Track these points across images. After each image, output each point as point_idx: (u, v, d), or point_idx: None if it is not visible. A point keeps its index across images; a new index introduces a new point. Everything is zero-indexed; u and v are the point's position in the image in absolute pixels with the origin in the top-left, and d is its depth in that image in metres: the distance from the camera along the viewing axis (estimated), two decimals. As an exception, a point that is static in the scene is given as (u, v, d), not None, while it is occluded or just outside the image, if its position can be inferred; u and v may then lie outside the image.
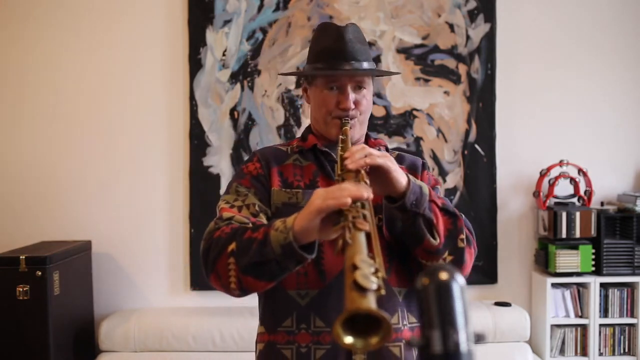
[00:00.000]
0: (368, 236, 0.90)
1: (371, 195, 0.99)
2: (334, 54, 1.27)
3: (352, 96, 1.28)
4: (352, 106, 1.28)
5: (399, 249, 1.24)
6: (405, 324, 1.23)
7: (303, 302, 1.20)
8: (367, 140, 1.40)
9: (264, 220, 1.22)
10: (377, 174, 1.10)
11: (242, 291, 1.12)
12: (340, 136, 1.24)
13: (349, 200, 0.95)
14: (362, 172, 1.08)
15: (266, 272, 1.07)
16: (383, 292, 0.79)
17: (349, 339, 0.75)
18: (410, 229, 1.16)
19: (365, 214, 0.95)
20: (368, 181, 1.07)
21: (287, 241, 1.02)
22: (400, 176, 1.12)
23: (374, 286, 0.75)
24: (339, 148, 1.20)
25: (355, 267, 0.78)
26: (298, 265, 1.06)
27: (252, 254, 1.06)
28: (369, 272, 0.78)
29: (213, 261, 1.13)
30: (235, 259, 1.09)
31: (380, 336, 0.74)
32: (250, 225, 1.16)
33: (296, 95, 3.02)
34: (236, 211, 1.22)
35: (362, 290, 0.75)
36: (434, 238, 1.16)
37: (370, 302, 0.74)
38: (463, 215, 1.28)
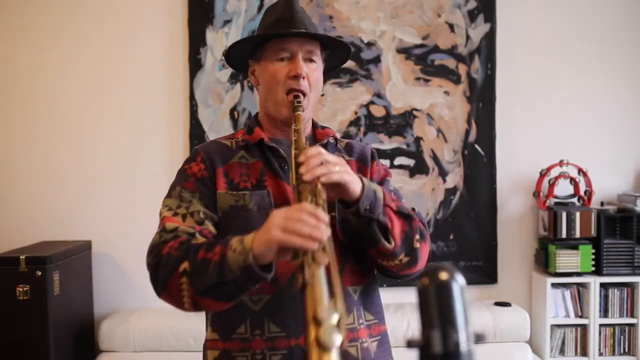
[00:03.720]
0: (327, 268, 0.89)
1: (329, 233, 0.97)
2: (284, 22, 1.22)
3: (303, 66, 1.22)
4: (304, 74, 1.21)
5: (353, 247, 1.21)
6: (362, 322, 1.21)
7: (256, 308, 1.17)
8: (315, 130, 1.34)
9: (211, 228, 1.18)
10: (332, 185, 1.07)
11: (197, 310, 1.11)
12: (294, 126, 1.18)
13: (315, 246, 0.93)
14: (319, 184, 1.05)
15: (224, 294, 1.05)
16: (346, 343, 0.77)
17: None
18: (365, 233, 1.14)
19: (325, 246, 0.94)
20: (325, 195, 1.05)
21: (246, 263, 1.00)
22: (356, 185, 1.09)
23: (338, 342, 0.75)
24: (293, 142, 1.16)
25: (317, 322, 0.77)
26: (256, 285, 1.04)
27: (210, 276, 1.03)
28: (332, 325, 0.76)
29: (164, 280, 1.10)
30: (190, 280, 1.06)
31: None
32: (198, 237, 1.13)
33: (296, 95, 3.02)
34: (180, 220, 1.17)
35: (325, 350, 0.75)
36: (389, 242, 1.14)
37: None
38: (416, 210, 1.26)
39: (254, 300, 1.18)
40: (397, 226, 1.16)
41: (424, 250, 1.21)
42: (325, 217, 0.97)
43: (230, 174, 1.24)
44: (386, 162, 3.02)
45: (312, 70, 1.24)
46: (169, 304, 1.15)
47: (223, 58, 2.99)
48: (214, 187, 1.22)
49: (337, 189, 1.09)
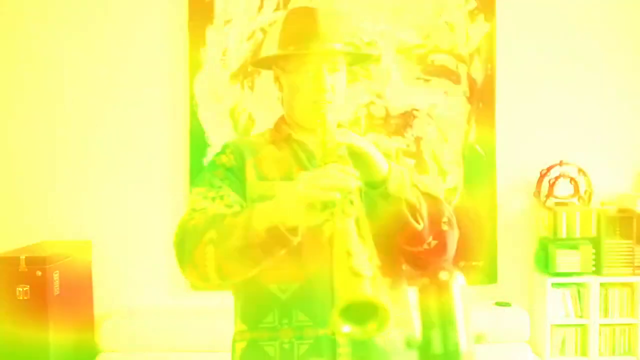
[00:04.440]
0: (356, 221, 0.90)
1: (358, 183, 0.98)
2: (307, 35, 1.22)
3: (328, 79, 1.22)
4: (328, 89, 1.22)
5: (380, 238, 1.19)
6: None
7: (284, 297, 1.17)
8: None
9: None
10: (358, 159, 1.08)
11: (222, 280, 1.10)
12: (318, 120, 1.19)
13: (337, 196, 0.94)
14: (346, 157, 1.06)
15: (249, 258, 1.04)
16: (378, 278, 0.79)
17: (347, 328, 0.74)
18: (393, 215, 1.12)
19: (352, 199, 0.95)
20: (351, 163, 1.05)
21: (272, 224, 1.00)
22: (382, 162, 1.10)
23: (369, 272, 0.75)
24: (319, 132, 1.16)
25: (348, 254, 0.78)
26: (282, 249, 1.03)
27: (235, 239, 1.03)
28: (363, 258, 0.77)
29: (190, 251, 1.09)
30: (215, 246, 1.05)
31: (377, 322, 0.74)
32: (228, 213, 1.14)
33: (296, 95, 3.03)
34: (210, 202, 1.17)
35: (357, 276, 0.74)
36: (417, 222, 1.13)
37: (367, 289, 0.74)
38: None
39: (282, 290, 1.18)
40: (424, 207, 1.15)
41: (452, 235, 1.21)
42: (353, 171, 0.99)
43: (260, 166, 1.26)
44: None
45: (337, 80, 1.25)
46: (192, 279, 1.14)
47: (223, 58, 2.99)
48: (243, 177, 1.24)
49: (363, 166, 1.08)
